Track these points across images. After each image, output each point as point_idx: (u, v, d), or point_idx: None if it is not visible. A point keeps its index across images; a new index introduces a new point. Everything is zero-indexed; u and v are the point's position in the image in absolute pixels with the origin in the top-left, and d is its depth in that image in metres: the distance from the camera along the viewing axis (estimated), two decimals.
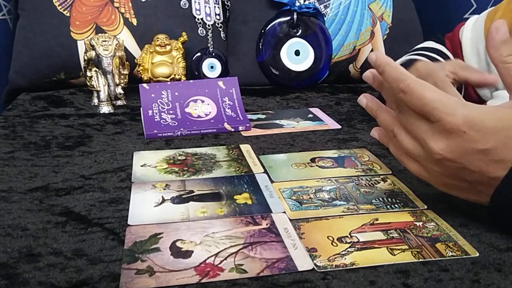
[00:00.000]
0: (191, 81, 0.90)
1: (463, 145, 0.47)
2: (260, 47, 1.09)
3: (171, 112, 0.84)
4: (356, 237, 0.50)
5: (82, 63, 1.01)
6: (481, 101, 0.85)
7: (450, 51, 0.89)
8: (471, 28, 0.86)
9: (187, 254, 0.47)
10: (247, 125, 0.82)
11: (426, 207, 0.56)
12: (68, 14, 1.08)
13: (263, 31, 1.09)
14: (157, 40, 1.03)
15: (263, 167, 0.67)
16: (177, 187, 0.61)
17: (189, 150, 0.73)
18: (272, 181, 0.62)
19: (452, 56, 0.88)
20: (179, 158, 0.70)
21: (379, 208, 0.56)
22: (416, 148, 0.50)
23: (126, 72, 0.97)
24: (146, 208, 0.56)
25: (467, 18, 0.90)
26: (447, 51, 0.89)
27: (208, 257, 0.46)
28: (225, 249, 0.48)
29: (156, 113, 0.83)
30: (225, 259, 0.46)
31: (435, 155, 0.48)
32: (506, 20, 0.80)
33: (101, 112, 0.92)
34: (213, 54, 1.11)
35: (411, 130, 0.50)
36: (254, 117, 0.89)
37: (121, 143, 0.77)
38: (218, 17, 1.14)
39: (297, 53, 1.08)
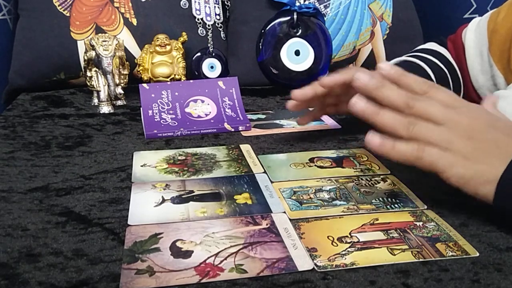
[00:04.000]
0: (191, 81, 0.90)
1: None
2: (260, 47, 1.09)
3: (171, 112, 0.84)
4: (356, 237, 0.50)
5: (82, 63, 1.01)
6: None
7: (453, 53, 0.89)
8: (474, 30, 0.86)
9: (187, 254, 0.47)
10: (247, 125, 0.82)
11: (426, 207, 0.56)
12: (68, 14, 1.08)
13: (263, 31, 1.09)
14: (157, 40, 1.03)
15: (263, 167, 0.67)
16: (177, 187, 0.61)
17: (189, 150, 0.73)
18: (271, 181, 0.62)
19: (452, 59, 0.88)
20: (179, 158, 0.70)
21: (379, 208, 0.56)
22: (436, 128, 0.51)
23: (126, 72, 0.97)
24: (146, 208, 0.56)
25: (467, 18, 0.90)
26: (448, 54, 0.89)
27: (208, 257, 0.46)
28: (225, 249, 0.48)
29: (156, 113, 0.83)
30: (225, 259, 0.46)
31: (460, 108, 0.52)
32: (509, 22, 0.80)
33: (101, 112, 0.92)
34: (213, 54, 1.11)
35: (430, 113, 0.51)
36: (254, 117, 0.89)
37: (121, 143, 0.77)
38: (218, 17, 1.14)
39: (297, 53, 1.08)
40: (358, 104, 0.53)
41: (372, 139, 0.52)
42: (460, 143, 0.50)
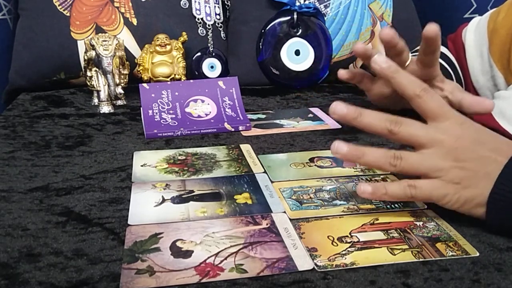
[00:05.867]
0: (191, 81, 0.90)
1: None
2: (260, 47, 1.09)
3: (171, 112, 0.84)
4: (356, 236, 0.50)
5: (82, 63, 1.01)
6: None
7: (453, 53, 0.89)
8: (474, 30, 0.86)
9: (187, 254, 0.47)
10: (247, 125, 0.82)
11: (426, 206, 0.56)
12: (68, 14, 1.08)
13: (263, 31, 1.09)
14: (157, 40, 1.03)
15: (263, 167, 0.67)
16: (177, 187, 0.61)
17: (189, 150, 0.73)
18: (271, 181, 0.62)
19: (454, 59, 0.88)
20: (179, 158, 0.70)
21: (379, 207, 0.56)
22: (421, 156, 0.51)
23: (126, 72, 0.97)
24: (146, 208, 0.56)
25: (467, 18, 0.90)
26: (449, 53, 0.89)
27: (208, 257, 0.46)
28: (225, 249, 0.48)
29: (156, 113, 0.83)
30: (225, 259, 0.46)
31: (450, 135, 0.51)
32: (509, 22, 0.80)
33: (101, 112, 0.92)
34: (213, 54, 1.11)
35: (413, 137, 0.52)
36: (254, 117, 0.89)
37: (121, 143, 0.77)
38: (218, 17, 1.14)
39: (297, 53, 1.08)
40: (340, 149, 0.52)
41: (364, 189, 0.52)
42: (448, 170, 0.50)
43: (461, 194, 0.50)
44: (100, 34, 0.95)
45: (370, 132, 0.53)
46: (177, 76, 1.02)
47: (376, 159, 0.52)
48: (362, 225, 0.52)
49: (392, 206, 0.56)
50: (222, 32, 1.15)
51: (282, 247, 0.48)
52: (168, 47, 1.03)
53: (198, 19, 1.12)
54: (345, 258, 0.46)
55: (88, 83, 0.95)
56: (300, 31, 1.08)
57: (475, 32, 0.86)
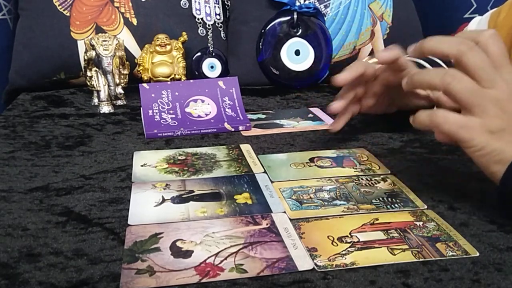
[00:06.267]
0: (191, 81, 0.90)
1: None
2: (260, 47, 1.09)
3: (171, 112, 0.84)
4: (356, 236, 0.50)
5: (82, 63, 1.01)
6: None
7: None
8: (475, 30, 0.86)
9: (187, 254, 0.47)
10: (247, 125, 0.82)
11: (426, 207, 0.56)
12: (68, 14, 1.08)
13: (263, 31, 1.09)
14: (157, 40, 1.03)
15: (263, 167, 0.67)
16: (177, 187, 0.61)
17: (189, 150, 0.73)
18: (271, 181, 0.62)
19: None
20: (179, 158, 0.70)
21: (379, 208, 0.56)
22: (475, 89, 0.50)
23: (126, 72, 0.97)
24: (146, 208, 0.56)
25: (467, 18, 0.90)
26: None
27: (208, 257, 0.46)
28: (225, 249, 0.48)
29: (156, 113, 0.83)
30: (225, 259, 0.46)
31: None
32: (509, 22, 0.80)
33: (101, 112, 0.92)
34: (213, 54, 1.11)
35: (477, 69, 0.50)
36: (254, 117, 0.89)
37: (121, 143, 0.77)
38: (218, 17, 1.14)
39: (297, 53, 1.08)
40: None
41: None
42: (492, 115, 0.49)
43: (490, 144, 0.49)
44: (100, 34, 0.95)
45: (439, 54, 0.53)
46: (177, 76, 1.02)
47: (430, 72, 0.52)
48: (362, 225, 0.52)
49: (392, 206, 0.56)
50: (222, 32, 1.15)
51: (282, 247, 0.48)
52: (168, 47, 1.03)
53: (198, 19, 1.12)
54: (345, 258, 0.46)
55: (88, 83, 0.95)
56: (300, 31, 1.08)
57: None
